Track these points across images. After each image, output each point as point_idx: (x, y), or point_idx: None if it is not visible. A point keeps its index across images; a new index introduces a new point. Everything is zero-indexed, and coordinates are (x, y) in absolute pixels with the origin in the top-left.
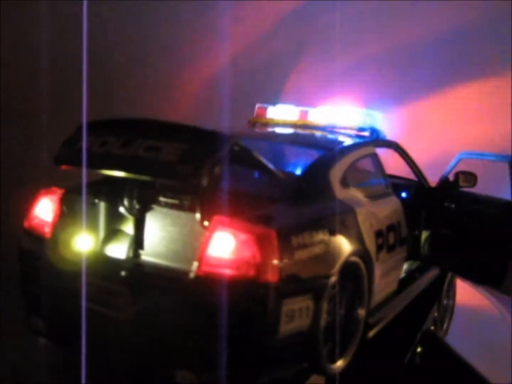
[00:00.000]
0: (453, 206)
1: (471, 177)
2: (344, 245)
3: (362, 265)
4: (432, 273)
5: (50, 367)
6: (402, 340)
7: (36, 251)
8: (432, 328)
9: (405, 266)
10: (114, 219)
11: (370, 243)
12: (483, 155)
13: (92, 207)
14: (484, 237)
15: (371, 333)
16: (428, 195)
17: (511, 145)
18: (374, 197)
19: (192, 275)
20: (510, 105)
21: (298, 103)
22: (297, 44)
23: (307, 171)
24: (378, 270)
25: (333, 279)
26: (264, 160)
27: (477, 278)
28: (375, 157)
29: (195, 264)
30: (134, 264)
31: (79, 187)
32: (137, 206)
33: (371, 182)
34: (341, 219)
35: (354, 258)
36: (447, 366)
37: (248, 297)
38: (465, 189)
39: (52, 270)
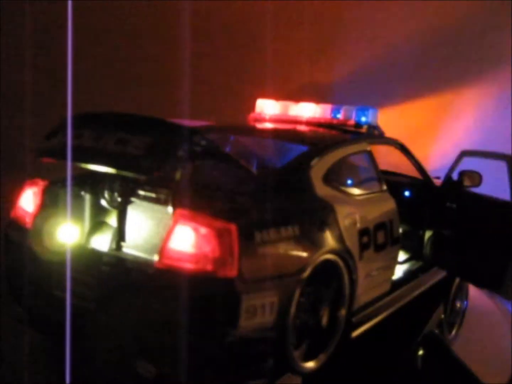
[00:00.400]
0: (454, 206)
1: (475, 177)
2: (318, 242)
3: (341, 264)
4: (438, 274)
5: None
6: (398, 342)
7: (19, 241)
8: (437, 331)
9: (406, 266)
10: (96, 211)
11: (352, 242)
12: (482, 154)
13: (77, 199)
14: (484, 239)
15: (355, 334)
16: (432, 195)
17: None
18: (362, 195)
19: (153, 267)
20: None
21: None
22: None
23: (285, 166)
24: (362, 270)
25: (304, 276)
26: (233, 154)
27: (477, 281)
28: (368, 154)
29: (157, 257)
30: (109, 256)
31: (64, 179)
32: (118, 199)
33: (362, 179)
34: (316, 216)
35: (331, 256)
36: (445, 369)
37: (206, 291)
38: (467, 189)
39: (33, 260)
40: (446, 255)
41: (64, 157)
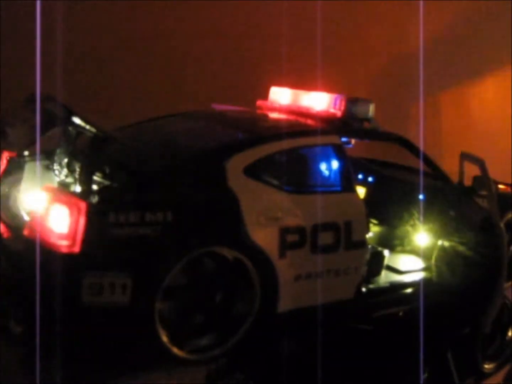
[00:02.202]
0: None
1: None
2: (202, 233)
3: (243, 258)
4: None
5: None
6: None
7: None
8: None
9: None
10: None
11: (264, 237)
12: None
13: (44, 170)
14: None
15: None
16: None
17: None
18: (306, 192)
19: (23, 235)
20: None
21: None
22: None
23: (200, 153)
24: (288, 269)
25: (173, 264)
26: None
27: None
28: (337, 148)
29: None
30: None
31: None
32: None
33: (313, 175)
34: (210, 206)
35: (221, 249)
36: None
37: (52, 263)
38: None
39: None
40: None
41: None
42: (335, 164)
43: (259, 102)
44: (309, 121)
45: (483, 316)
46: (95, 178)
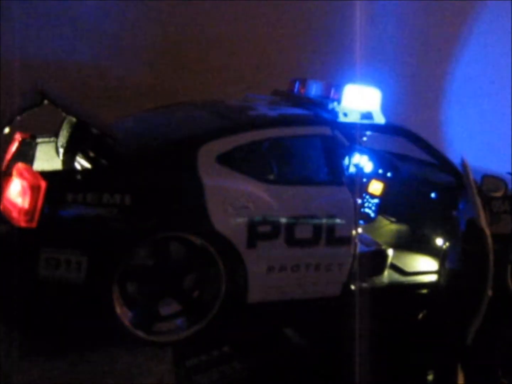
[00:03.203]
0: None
1: (499, 185)
2: (162, 218)
3: (206, 245)
4: None
5: None
6: None
7: None
8: None
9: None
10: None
11: (231, 227)
12: None
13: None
14: None
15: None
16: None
17: None
18: (285, 182)
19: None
20: None
21: None
22: None
23: (175, 139)
24: (259, 260)
25: (132, 246)
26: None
27: None
28: (326, 139)
29: None
30: None
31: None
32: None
33: (295, 166)
34: (169, 191)
35: (186, 235)
36: None
37: (13, 236)
38: None
39: None
40: None
41: None
42: (323, 156)
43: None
44: (303, 111)
45: (466, 327)
46: (79, 159)
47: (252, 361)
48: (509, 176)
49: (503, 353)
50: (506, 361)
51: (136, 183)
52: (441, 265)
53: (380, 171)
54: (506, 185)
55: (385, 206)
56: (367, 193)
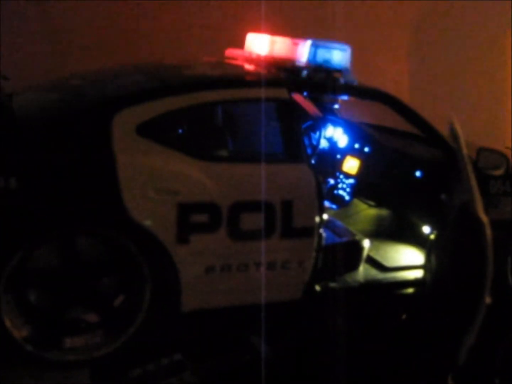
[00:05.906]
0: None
1: (498, 159)
2: (59, 208)
3: (113, 238)
4: None
5: None
6: None
7: None
8: None
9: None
10: None
11: (154, 216)
12: None
13: None
14: None
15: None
16: None
17: None
18: (226, 159)
19: None
20: None
21: None
22: None
23: (77, 107)
24: (191, 258)
25: (20, 246)
26: None
27: None
28: (282, 105)
29: None
30: None
31: None
32: None
33: (240, 139)
34: (70, 172)
35: (96, 229)
36: None
37: None
38: None
39: None
40: None
41: None
42: (278, 125)
43: (228, 51)
44: (255, 71)
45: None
46: None
47: (207, 372)
48: (508, 151)
49: (502, 360)
50: (504, 368)
51: (25, 162)
52: (427, 259)
53: (356, 145)
54: (507, 161)
55: (362, 187)
56: (341, 172)
